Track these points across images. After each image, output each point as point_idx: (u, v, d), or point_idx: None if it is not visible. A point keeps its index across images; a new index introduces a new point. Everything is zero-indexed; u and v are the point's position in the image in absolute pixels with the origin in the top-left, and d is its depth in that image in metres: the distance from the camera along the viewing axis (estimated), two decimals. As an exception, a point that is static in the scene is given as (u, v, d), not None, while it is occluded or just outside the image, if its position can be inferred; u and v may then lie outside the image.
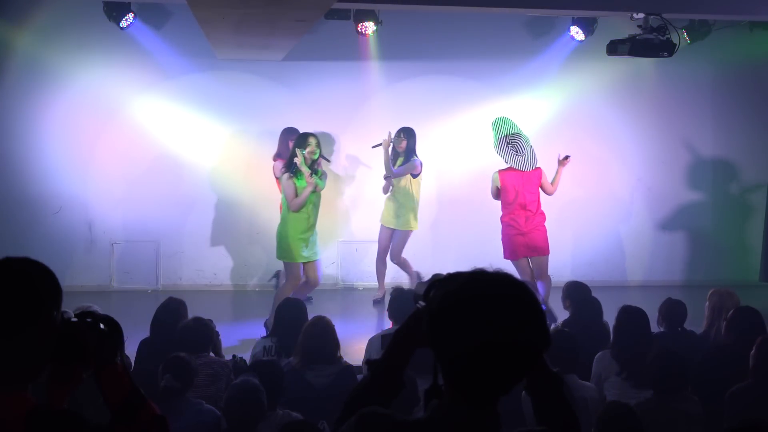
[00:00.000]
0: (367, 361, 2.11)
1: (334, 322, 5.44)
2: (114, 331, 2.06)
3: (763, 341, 4.78)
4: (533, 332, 1.75)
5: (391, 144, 8.71)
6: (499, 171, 8.05)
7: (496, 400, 1.81)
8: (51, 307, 1.96)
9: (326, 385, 5.15)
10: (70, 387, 2.06)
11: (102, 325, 2.04)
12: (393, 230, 8.92)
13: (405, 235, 8.93)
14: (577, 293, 6.47)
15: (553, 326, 6.15)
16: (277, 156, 8.82)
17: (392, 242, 8.96)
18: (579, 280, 7.06)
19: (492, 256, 9.94)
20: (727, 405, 4.65)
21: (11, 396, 1.91)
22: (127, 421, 2.03)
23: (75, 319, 2.04)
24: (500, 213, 8.17)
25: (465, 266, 1.88)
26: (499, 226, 8.18)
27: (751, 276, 10.57)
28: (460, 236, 10.09)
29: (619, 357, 5.26)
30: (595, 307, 6.35)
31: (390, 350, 2.07)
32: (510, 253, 8.07)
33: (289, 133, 8.76)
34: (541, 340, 1.76)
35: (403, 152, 8.77)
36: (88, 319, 2.04)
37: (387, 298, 7.24)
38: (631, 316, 5.47)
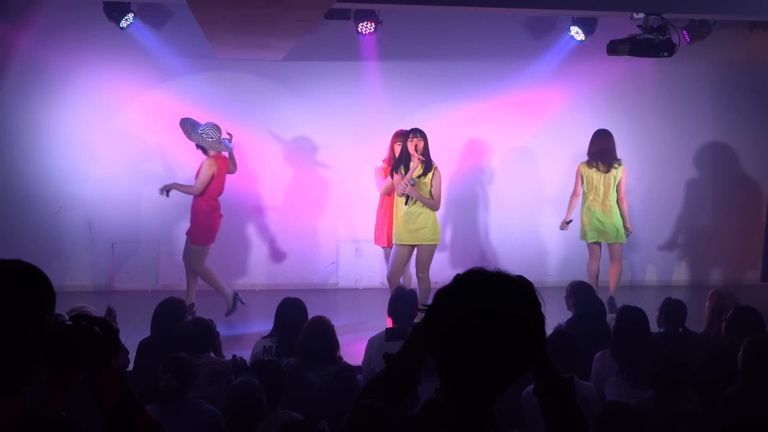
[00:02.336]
0: (385, 355, 2.10)
1: (334, 322, 5.44)
2: (109, 335, 2.01)
3: (750, 344, 4.76)
4: (523, 307, 1.74)
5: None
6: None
7: (491, 398, 1.80)
8: (44, 311, 1.93)
9: (326, 385, 5.15)
10: (66, 392, 2.03)
11: (97, 328, 2.00)
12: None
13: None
14: (581, 292, 6.46)
15: (555, 326, 6.15)
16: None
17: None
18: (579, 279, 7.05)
19: (494, 255, 9.98)
20: (721, 409, 4.65)
21: (4, 401, 1.89)
22: (121, 427, 1.99)
23: (69, 323, 2.00)
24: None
25: (467, 266, 1.89)
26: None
27: (752, 276, 10.58)
28: (462, 237, 10.08)
29: (618, 357, 5.27)
30: (598, 307, 6.36)
31: (408, 345, 2.07)
32: None
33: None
34: (532, 317, 1.75)
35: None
36: (83, 322, 2.00)
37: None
38: (630, 316, 5.47)
